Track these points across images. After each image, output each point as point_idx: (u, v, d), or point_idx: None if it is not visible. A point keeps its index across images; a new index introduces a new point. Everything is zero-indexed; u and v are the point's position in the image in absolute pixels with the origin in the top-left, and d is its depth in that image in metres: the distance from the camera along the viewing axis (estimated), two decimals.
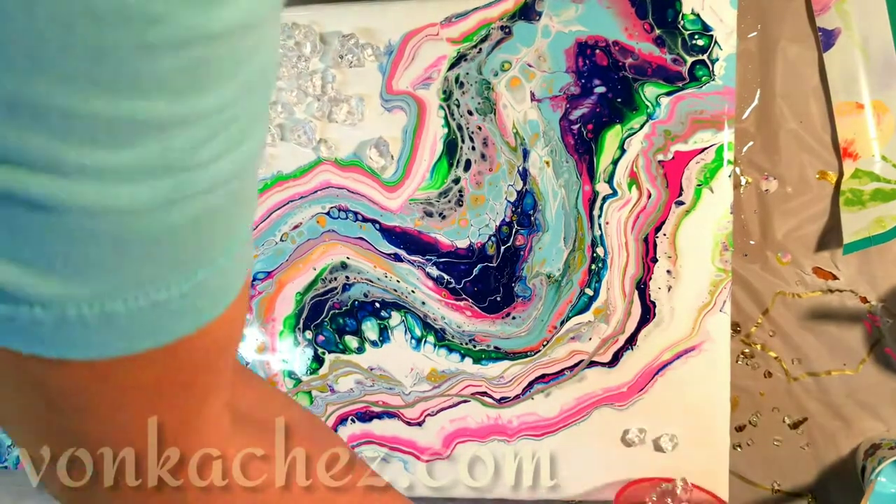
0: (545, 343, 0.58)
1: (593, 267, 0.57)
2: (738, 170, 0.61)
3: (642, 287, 0.57)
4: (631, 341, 0.57)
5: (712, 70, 0.54)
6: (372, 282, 0.59)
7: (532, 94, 0.56)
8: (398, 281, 0.59)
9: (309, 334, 0.61)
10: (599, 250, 0.57)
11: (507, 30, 0.56)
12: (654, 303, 0.57)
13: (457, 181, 0.58)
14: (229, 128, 0.22)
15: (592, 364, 0.58)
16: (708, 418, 0.57)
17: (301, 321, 0.61)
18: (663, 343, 0.57)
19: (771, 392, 0.63)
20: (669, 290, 0.56)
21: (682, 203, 0.55)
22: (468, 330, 0.59)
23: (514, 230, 0.58)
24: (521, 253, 0.58)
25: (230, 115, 0.22)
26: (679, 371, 0.57)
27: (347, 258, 0.59)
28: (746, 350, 0.63)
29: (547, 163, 0.56)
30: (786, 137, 0.61)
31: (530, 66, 0.56)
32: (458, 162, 0.57)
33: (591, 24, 0.55)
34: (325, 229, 0.59)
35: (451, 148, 0.57)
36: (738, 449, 0.62)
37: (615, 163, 0.56)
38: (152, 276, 0.22)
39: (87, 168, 0.19)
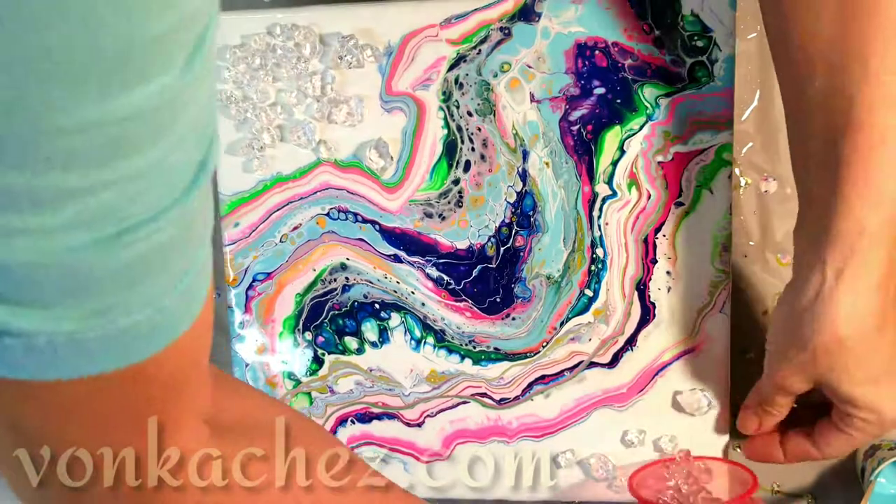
0: (545, 344, 0.58)
1: (593, 268, 0.57)
2: (737, 171, 0.61)
3: (642, 288, 0.57)
4: (631, 342, 0.57)
5: (712, 71, 0.54)
6: (372, 283, 0.59)
7: (531, 96, 0.56)
8: (398, 282, 0.59)
9: (308, 335, 0.61)
10: (599, 251, 0.57)
11: (506, 31, 0.56)
12: (653, 304, 0.57)
13: (456, 182, 0.58)
14: (161, 177, 0.23)
15: (592, 365, 0.58)
16: (708, 419, 0.57)
17: (301, 322, 0.61)
18: (663, 344, 0.57)
19: None
20: (669, 290, 0.56)
21: (681, 204, 0.56)
22: (468, 331, 0.59)
23: (513, 231, 0.58)
24: (521, 254, 0.58)
25: (159, 170, 0.23)
26: (679, 372, 0.57)
27: (347, 259, 0.59)
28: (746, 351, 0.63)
29: (546, 164, 0.57)
30: (785, 138, 0.61)
31: (530, 67, 0.56)
32: (457, 163, 0.57)
33: (591, 26, 0.55)
34: (324, 230, 0.59)
35: (450, 149, 0.57)
36: (738, 450, 0.62)
37: (615, 164, 0.56)
38: (112, 304, 0.24)
39: (14, 230, 0.21)
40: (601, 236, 0.56)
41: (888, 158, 0.41)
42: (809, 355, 0.45)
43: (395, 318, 0.60)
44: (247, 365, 0.61)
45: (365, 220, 0.59)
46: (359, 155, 0.58)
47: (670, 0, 0.53)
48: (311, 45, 0.57)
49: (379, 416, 0.61)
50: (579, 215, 0.57)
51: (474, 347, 0.59)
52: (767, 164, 0.61)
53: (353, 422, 0.61)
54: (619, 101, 0.55)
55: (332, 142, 0.58)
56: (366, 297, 0.60)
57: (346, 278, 0.60)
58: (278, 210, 0.60)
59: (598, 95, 0.55)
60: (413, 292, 0.59)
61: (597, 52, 0.55)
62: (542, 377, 0.58)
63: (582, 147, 0.56)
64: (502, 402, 0.59)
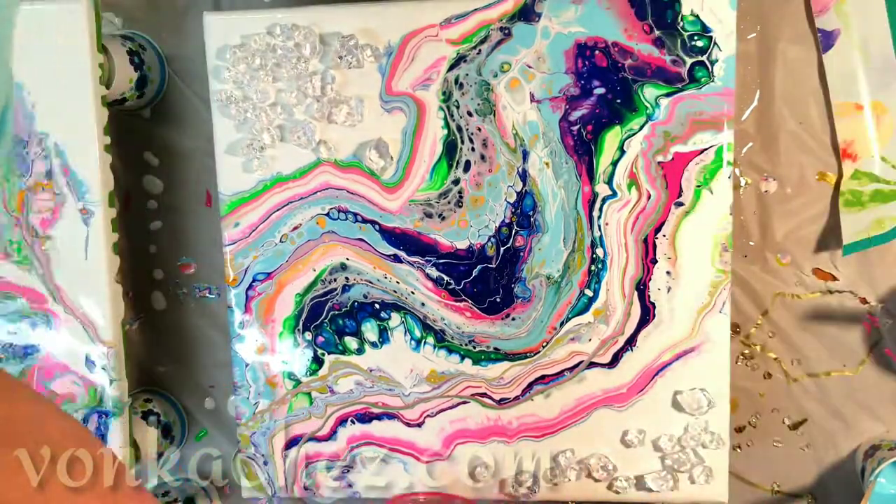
0: (545, 344, 0.58)
1: (593, 268, 0.57)
2: (737, 171, 0.61)
3: (642, 288, 0.57)
4: (630, 342, 0.57)
5: (712, 71, 0.54)
6: (371, 283, 0.59)
7: (531, 96, 0.56)
8: (398, 282, 0.59)
9: (308, 335, 0.61)
10: (599, 251, 0.57)
11: (506, 31, 0.56)
12: (653, 304, 0.57)
13: (456, 182, 0.58)
14: None
15: (592, 365, 0.58)
16: (708, 419, 0.57)
17: (301, 322, 0.61)
18: (663, 344, 0.57)
19: (770, 393, 0.63)
20: (669, 291, 0.56)
21: (681, 204, 0.55)
22: (468, 331, 0.59)
23: (513, 231, 0.58)
24: (521, 254, 0.58)
25: None
26: (679, 372, 0.57)
27: (347, 259, 0.59)
28: (746, 351, 0.63)
29: (546, 164, 0.57)
30: (785, 138, 0.61)
31: (530, 67, 0.56)
32: (457, 163, 0.57)
33: (591, 26, 0.55)
34: (324, 230, 0.59)
35: (450, 149, 0.57)
36: (738, 450, 0.62)
37: (615, 164, 0.56)
38: None
39: None
40: (601, 236, 0.56)
41: None
42: None
43: (395, 318, 0.60)
44: (247, 365, 0.61)
45: (365, 220, 0.59)
46: (359, 155, 0.58)
47: (670, 0, 0.54)
48: (311, 45, 0.57)
49: (379, 416, 0.61)
50: (579, 215, 0.57)
51: (474, 347, 0.59)
52: (767, 164, 0.61)
53: (353, 422, 0.61)
54: (619, 101, 0.55)
55: (332, 142, 0.58)
56: (366, 297, 0.60)
57: (346, 278, 0.60)
58: (278, 210, 0.60)
59: (598, 95, 0.55)
60: (413, 292, 0.59)
61: (597, 52, 0.55)
62: (542, 377, 0.58)
63: (582, 147, 0.56)
64: (502, 402, 0.59)
